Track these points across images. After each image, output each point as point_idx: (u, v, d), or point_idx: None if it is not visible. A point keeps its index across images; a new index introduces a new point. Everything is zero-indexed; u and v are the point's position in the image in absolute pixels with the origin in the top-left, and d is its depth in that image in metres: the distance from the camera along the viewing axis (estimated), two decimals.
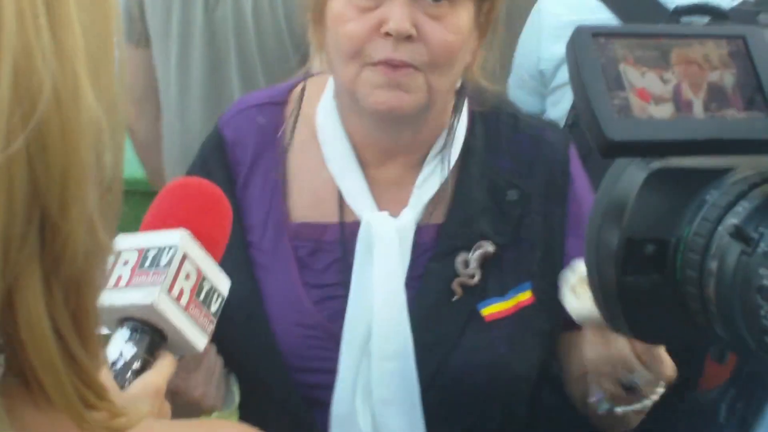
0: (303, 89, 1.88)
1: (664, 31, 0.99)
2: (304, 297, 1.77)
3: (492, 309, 1.74)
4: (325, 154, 1.82)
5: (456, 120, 1.82)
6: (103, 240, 0.85)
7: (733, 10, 2.45)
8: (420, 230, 1.78)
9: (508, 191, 1.75)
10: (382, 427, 1.72)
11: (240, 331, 1.75)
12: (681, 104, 0.95)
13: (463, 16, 1.71)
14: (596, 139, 0.93)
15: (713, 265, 1.05)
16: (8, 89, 0.77)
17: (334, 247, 1.78)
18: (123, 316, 1.35)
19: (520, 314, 1.75)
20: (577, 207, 1.85)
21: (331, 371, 1.71)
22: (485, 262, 1.76)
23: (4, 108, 0.77)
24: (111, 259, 0.89)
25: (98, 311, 0.87)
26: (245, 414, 1.83)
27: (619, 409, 1.72)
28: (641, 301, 1.12)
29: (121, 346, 1.33)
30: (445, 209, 1.79)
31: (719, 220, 1.06)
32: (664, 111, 0.95)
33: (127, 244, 1.40)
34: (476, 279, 1.76)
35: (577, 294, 1.62)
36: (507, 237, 1.74)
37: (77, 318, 0.84)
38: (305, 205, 1.82)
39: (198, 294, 1.38)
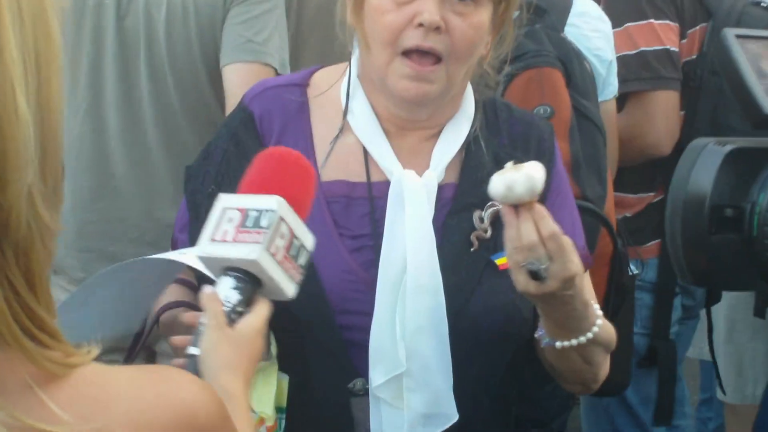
0: (348, 66, 2.05)
1: None
2: (341, 246, 1.95)
3: (503, 260, 1.98)
4: (352, 124, 2.01)
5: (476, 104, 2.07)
6: (44, 215, 1.05)
7: None
8: (440, 188, 1.98)
9: (509, 161, 1.99)
10: (414, 355, 1.91)
11: None
12: None
13: (484, 15, 1.94)
14: (753, 115, 1.20)
15: None
16: None
17: (363, 202, 1.98)
18: (228, 266, 1.59)
19: None
20: (558, 175, 2.11)
21: (365, 313, 1.87)
22: (496, 219, 1.96)
23: None
24: (56, 233, 1.09)
25: (47, 271, 1.07)
26: (290, 362, 2.01)
27: (558, 344, 1.92)
28: (724, 257, 1.40)
29: (227, 292, 1.57)
30: (459, 172, 2.01)
31: None
32: None
33: (231, 203, 1.64)
34: (489, 233, 1.97)
35: (504, 179, 1.78)
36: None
37: (28, 276, 1.05)
38: (333, 168, 2.00)
39: (289, 250, 1.62)
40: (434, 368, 1.93)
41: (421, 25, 1.88)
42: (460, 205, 1.95)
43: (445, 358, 1.94)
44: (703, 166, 1.40)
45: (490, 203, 1.98)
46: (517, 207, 1.81)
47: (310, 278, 1.95)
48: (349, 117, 2.02)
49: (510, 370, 2.07)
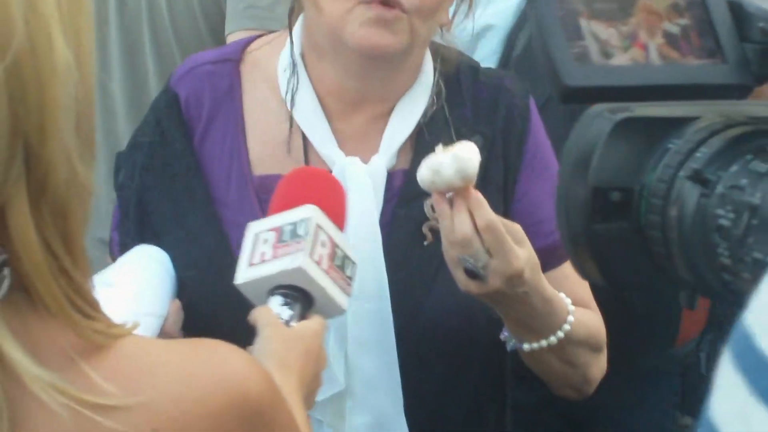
0: (290, 34, 1.90)
1: None
2: None
3: None
4: (290, 105, 1.85)
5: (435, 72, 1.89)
6: (81, 173, 1.00)
7: None
8: (390, 175, 1.83)
9: (473, 137, 1.80)
10: (356, 371, 1.76)
11: (213, 287, 1.78)
12: (636, 51, 1.00)
13: None
14: (555, 86, 0.98)
15: (675, 208, 1.11)
16: None
17: None
18: (272, 286, 1.50)
19: None
20: (533, 147, 1.90)
21: None
22: None
23: None
24: (92, 193, 1.05)
25: (84, 234, 1.03)
26: None
27: (525, 346, 1.75)
28: (609, 248, 1.17)
29: (277, 310, 1.49)
30: (411, 155, 1.84)
31: (680, 166, 1.11)
32: (620, 59, 1.00)
33: (262, 227, 1.56)
34: None
35: (429, 162, 1.65)
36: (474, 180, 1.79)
37: (67, 239, 0.99)
38: (267, 158, 1.85)
39: (334, 259, 1.52)
40: (379, 385, 1.76)
41: None
42: (410, 193, 1.79)
43: (392, 373, 1.77)
44: (591, 139, 1.17)
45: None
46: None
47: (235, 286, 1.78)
48: (287, 99, 1.86)
49: (490, 379, 1.88)
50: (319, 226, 1.53)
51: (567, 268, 1.85)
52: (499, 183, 1.84)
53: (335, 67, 1.83)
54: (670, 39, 1.02)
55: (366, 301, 1.75)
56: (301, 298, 1.50)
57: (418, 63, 1.87)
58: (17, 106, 0.94)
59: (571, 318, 1.74)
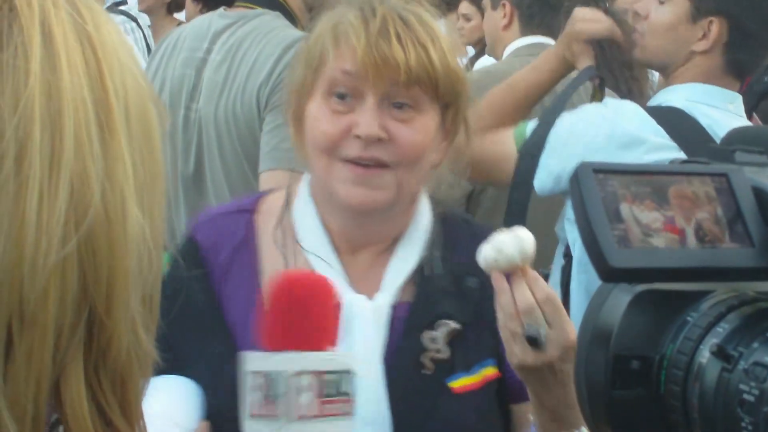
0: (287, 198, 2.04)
1: (657, 169, 1.10)
2: None
3: (460, 382, 1.89)
4: (304, 245, 1.97)
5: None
6: (144, 342, 0.98)
7: (710, 148, 2.60)
8: (394, 308, 1.95)
9: (468, 278, 1.90)
10: None
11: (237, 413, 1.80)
12: (673, 236, 1.06)
13: (429, 119, 1.90)
14: (599, 267, 1.03)
15: (696, 380, 1.15)
16: (65, 201, 0.92)
17: None
18: None
19: (486, 388, 1.90)
20: None
21: None
22: (451, 338, 1.92)
23: (61, 216, 0.91)
24: (154, 359, 1.00)
25: (142, 401, 0.99)
26: None
27: None
28: (627, 414, 1.21)
29: None
30: (413, 289, 1.97)
31: (701, 339, 1.16)
32: (658, 242, 1.05)
33: (301, 365, 1.53)
34: (447, 354, 1.92)
35: (493, 242, 1.74)
36: (468, 317, 1.89)
37: (124, 405, 0.96)
38: None
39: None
40: None
41: (359, 136, 1.82)
42: (412, 325, 1.89)
43: None
44: (611, 308, 1.22)
45: (442, 321, 1.89)
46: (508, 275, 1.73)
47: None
48: (303, 239, 1.97)
49: None
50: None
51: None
52: (492, 323, 1.91)
53: (334, 213, 1.96)
54: (704, 224, 1.07)
55: (368, 424, 1.83)
56: None
57: (414, 203, 2.00)
58: (87, 273, 0.93)
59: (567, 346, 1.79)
